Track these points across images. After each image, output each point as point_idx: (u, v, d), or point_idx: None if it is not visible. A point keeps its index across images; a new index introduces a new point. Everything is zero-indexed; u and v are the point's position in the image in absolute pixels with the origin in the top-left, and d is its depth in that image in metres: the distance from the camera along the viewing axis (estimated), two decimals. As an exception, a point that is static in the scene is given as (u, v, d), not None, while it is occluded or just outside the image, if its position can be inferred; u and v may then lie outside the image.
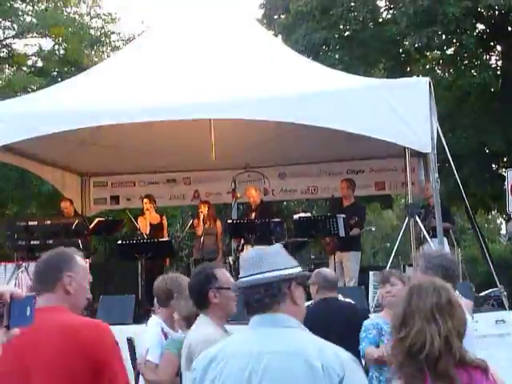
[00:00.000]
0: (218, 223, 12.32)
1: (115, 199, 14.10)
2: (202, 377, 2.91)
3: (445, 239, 9.53)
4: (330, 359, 2.74)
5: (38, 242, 10.72)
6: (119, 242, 11.14)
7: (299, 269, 3.01)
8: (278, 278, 2.90)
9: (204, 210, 12.02)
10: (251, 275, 2.90)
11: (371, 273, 9.71)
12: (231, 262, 11.08)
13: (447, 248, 10.27)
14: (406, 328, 2.79)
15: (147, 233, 11.91)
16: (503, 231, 45.51)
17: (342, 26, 20.68)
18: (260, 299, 2.88)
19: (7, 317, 2.06)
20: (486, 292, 15.97)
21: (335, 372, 2.69)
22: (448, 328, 2.78)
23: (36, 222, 11.14)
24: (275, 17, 23.74)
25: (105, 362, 2.98)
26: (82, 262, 3.27)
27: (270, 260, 2.93)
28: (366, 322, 5.64)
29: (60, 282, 3.11)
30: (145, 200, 12.26)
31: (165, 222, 12.52)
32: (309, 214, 12.24)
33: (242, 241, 11.26)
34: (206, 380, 2.87)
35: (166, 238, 11.89)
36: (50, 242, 10.61)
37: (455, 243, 11.82)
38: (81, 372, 2.93)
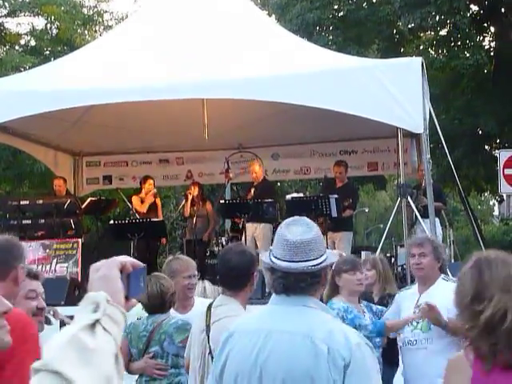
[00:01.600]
0: (208, 204, 12.32)
1: (108, 179, 14.09)
2: (220, 351, 3.00)
3: (436, 220, 9.56)
4: (338, 343, 2.76)
5: (30, 222, 10.71)
6: (112, 221, 11.15)
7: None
8: (324, 266, 2.95)
9: (194, 191, 12.02)
10: (299, 261, 2.90)
11: (363, 253, 9.76)
12: (224, 243, 11.12)
13: (439, 228, 10.32)
14: (482, 302, 2.69)
15: (144, 211, 11.93)
16: (496, 212, 45.70)
17: (335, 6, 20.62)
18: (304, 287, 2.91)
19: (126, 287, 1.97)
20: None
21: (341, 356, 2.72)
22: None
23: (28, 202, 11.14)
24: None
25: (10, 352, 2.78)
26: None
27: (315, 246, 2.94)
28: (339, 305, 5.34)
29: (12, 273, 3.07)
30: (151, 181, 12.24)
31: (158, 203, 12.51)
32: (301, 195, 12.27)
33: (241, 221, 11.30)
34: (223, 354, 2.96)
35: (159, 218, 11.90)
36: (42, 221, 10.61)
37: (447, 224, 11.87)
38: None
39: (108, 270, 1.92)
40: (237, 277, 4.14)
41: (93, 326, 1.76)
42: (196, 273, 5.43)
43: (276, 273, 2.93)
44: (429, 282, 5.19)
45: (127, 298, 1.95)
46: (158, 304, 5.12)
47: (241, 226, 11.34)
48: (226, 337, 3.00)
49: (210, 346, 4.05)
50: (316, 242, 2.95)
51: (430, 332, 5.04)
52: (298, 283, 2.90)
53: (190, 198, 11.98)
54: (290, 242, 2.92)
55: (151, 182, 12.25)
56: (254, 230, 11.07)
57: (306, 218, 3.09)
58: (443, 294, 5.00)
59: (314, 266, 2.90)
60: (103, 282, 1.88)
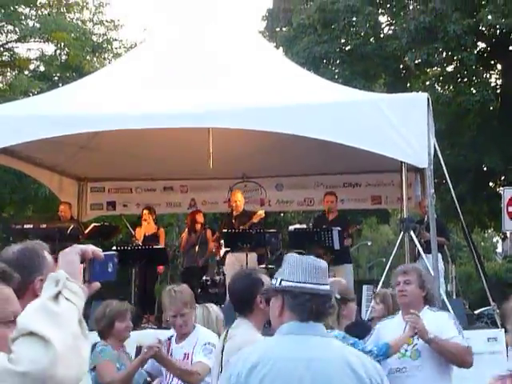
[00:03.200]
0: (209, 232, 12.31)
1: (112, 205, 14.09)
2: (245, 381, 2.92)
3: (439, 255, 9.54)
4: (369, 368, 2.93)
5: (33, 246, 10.69)
6: (114, 247, 11.15)
7: None
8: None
9: (200, 219, 12.05)
10: (324, 284, 3.01)
11: (364, 287, 9.72)
12: (225, 271, 11.11)
13: (441, 264, 10.29)
14: None
15: (141, 243, 11.90)
16: (499, 249, 45.61)
17: (343, 40, 20.77)
18: (327, 308, 3.02)
19: (88, 272, 2.31)
20: (480, 310, 15.99)
21: (376, 381, 2.90)
22: None
23: (32, 226, 11.14)
24: (277, 29, 23.84)
25: None
26: (49, 258, 3.16)
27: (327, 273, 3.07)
28: (336, 332, 5.15)
29: (31, 287, 2.93)
30: (144, 211, 12.21)
31: (161, 235, 12.43)
32: (304, 226, 12.28)
33: (223, 250, 11.23)
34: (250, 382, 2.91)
35: (160, 246, 11.87)
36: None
37: (450, 259, 11.83)
38: None
39: (70, 255, 2.29)
40: (240, 300, 4.22)
41: (56, 297, 2.14)
42: (184, 311, 5.39)
43: (303, 296, 2.98)
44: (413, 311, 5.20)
45: (90, 282, 2.32)
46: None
47: (222, 255, 11.34)
48: (248, 366, 2.94)
49: (222, 366, 4.12)
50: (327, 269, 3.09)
51: (419, 359, 5.05)
52: (324, 304, 3.00)
53: (198, 227, 11.93)
54: (316, 266, 3.02)
55: (145, 211, 12.18)
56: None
57: None
58: (430, 323, 5.04)
59: (332, 290, 3.09)
60: (65, 264, 2.26)
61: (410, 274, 5.27)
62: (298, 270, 3.00)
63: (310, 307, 2.96)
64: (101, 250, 2.36)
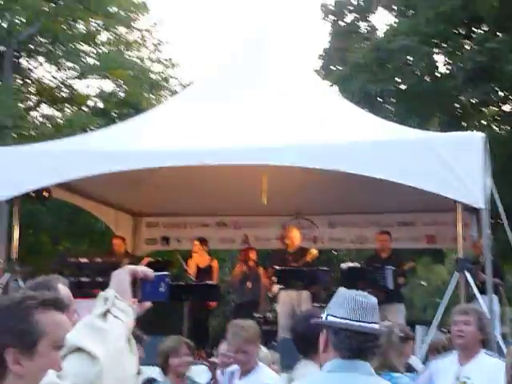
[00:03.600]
0: (261, 268, 12.32)
1: (165, 240, 14.20)
2: None
3: (494, 296, 9.36)
4: None
5: (88, 280, 10.82)
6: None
7: None
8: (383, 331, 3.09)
9: (253, 256, 12.06)
10: (371, 323, 2.92)
11: (419, 327, 9.58)
12: (277, 309, 11.07)
13: (496, 305, 10.09)
14: None
15: (194, 275, 11.96)
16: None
17: (398, 79, 20.75)
18: (371, 347, 2.94)
19: (139, 292, 2.37)
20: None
21: None
22: None
23: (87, 260, 11.28)
24: (333, 68, 23.93)
25: None
26: (65, 290, 3.18)
27: (377, 311, 3.00)
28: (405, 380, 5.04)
29: None
30: (195, 242, 12.32)
31: (215, 266, 12.52)
32: (357, 264, 12.18)
33: (276, 287, 11.16)
34: None
35: (213, 282, 11.91)
36: (100, 279, 10.72)
37: (505, 301, 11.60)
38: None
39: (120, 274, 2.36)
40: (303, 343, 4.18)
41: (105, 314, 2.20)
42: (246, 347, 5.37)
43: (343, 333, 2.92)
44: (469, 354, 5.03)
45: (140, 301, 2.37)
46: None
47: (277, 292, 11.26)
48: None
49: None
50: (377, 307, 3.00)
51: None
52: (366, 343, 2.91)
53: (251, 263, 11.92)
54: (363, 302, 2.94)
55: (196, 242, 12.31)
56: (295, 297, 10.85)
57: None
58: (488, 369, 4.88)
59: (380, 329, 2.98)
60: (115, 284, 2.32)
61: (470, 314, 5.11)
62: (343, 305, 2.94)
63: (350, 344, 2.89)
64: (151, 270, 2.41)
